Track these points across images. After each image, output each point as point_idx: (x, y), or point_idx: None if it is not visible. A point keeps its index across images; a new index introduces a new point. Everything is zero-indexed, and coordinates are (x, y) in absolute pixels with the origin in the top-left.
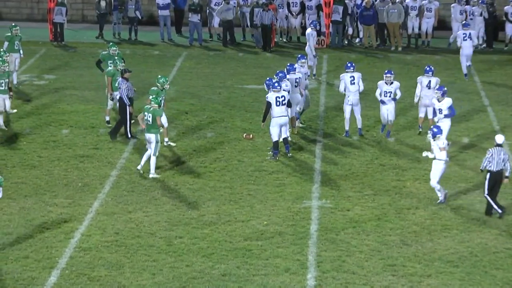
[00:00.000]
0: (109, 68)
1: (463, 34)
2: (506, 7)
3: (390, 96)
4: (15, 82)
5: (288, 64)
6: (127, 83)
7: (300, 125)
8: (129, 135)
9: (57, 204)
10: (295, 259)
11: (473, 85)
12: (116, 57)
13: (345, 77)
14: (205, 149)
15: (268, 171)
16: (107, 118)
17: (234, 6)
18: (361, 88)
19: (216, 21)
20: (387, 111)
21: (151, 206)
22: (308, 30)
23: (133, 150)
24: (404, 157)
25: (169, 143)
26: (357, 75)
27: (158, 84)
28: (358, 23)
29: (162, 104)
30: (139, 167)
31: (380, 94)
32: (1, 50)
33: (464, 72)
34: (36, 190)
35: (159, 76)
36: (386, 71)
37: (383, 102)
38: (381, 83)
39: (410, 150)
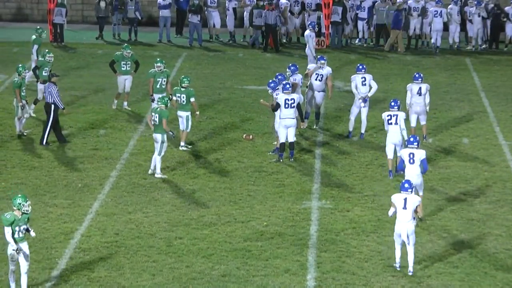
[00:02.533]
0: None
1: (435, 11)
2: (506, 8)
3: (395, 123)
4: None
5: (291, 64)
6: (56, 87)
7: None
8: (44, 142)
9: (57, 205)
10: (295, 260)
11: (473, 86)
12: (129, 59)
13: (356, 78)
14: (205, 149)
15: (268, 171)
16: None
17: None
18: (374, 88)
19: (217, 22)
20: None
21: (151, 207)
22: (306, 32)
23: (133, 151)
24: None
25: (183, 148)
26: (368, 76)
27: (188, 84)
28: (368, 24)
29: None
30: (149, 171)
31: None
32: (46, 51)
33: (436, 43)
34: (36, 190)
35: (183, 76)
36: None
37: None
38: (385, 114)
39: None
